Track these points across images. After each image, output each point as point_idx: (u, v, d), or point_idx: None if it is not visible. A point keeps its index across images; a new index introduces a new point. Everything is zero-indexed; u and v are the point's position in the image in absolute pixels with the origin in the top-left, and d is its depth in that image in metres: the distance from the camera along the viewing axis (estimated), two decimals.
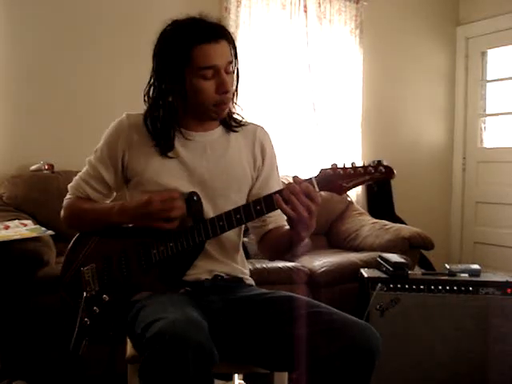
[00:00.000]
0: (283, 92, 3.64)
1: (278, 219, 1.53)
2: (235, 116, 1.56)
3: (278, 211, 1.35)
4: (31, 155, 2.98)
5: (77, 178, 1.57)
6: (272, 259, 1.62)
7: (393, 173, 1.25)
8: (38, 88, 3.06)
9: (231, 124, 1.55)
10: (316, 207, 1.27)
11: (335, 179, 1.28)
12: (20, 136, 3.03)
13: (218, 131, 1.54)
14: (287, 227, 1.47)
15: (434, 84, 4.52)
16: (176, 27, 1.43)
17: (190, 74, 1.40)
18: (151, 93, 1.48)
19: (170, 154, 1.46)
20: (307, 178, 1.29)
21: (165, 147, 1.46)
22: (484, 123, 4.50)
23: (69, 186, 1.58)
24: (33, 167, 2.95)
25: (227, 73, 1.43)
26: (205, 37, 1.39)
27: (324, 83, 3.76)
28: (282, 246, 1.49)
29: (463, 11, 4.53)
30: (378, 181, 1.27)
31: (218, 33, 1.42)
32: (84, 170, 1.56)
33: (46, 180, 2.88)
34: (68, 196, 1.58)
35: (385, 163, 1.26)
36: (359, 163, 1.29)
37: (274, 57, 3.60)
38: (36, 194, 2.82)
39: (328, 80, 3.78)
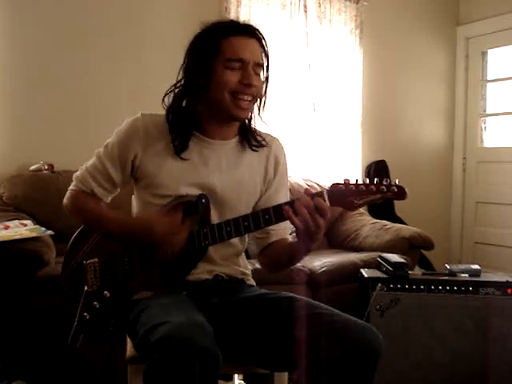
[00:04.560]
0: (283, 92, 3.63)
1: (280, 233, 1.52)
2: (256, 132, 1.53)
3: (283, 224, 1.34)
4: (31, 155, 2.98)
5: (83, 168, 1.53)
6: (271, 272, 1.58)
7: (405, 194, 1.23)
8: (38, 88, 3.05)
9: (250, 139, 1.51)
10: (325, 222, 1.26)
11: (347, 195, 1.25)
12: (20, 136, 3.02)
13: (235, 142, 1.51)
14: (289, 241, 1.47)
15: (434, 84, 4.52)
16: (210, 24, 1.44)
17: (217, 65, 1.39)
18: (177, 91, 1.46)
19: (183, 156, 1.43)
20: (318, 191, 1.27)
21: (180, 146, 1.43)
22: (484, 123, 4.50)
23: (74, 175, 1.54)
24: (33, 167, 2.95)
25: (255, 73, 1.41)
26: (236, 30, 1.40)
27: (324, 83, 3.76)
28: (282, 259, 1.49)
29: (463, 11, 4.53)
30: (389, 199, 1.23)
31: (250, 30, 1.42)
32: (91, 162, 1.51)
33: (46, 180, 2.87)
34: (72, 187, 1.54)
35: (398, 183, 1.23)
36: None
37: (273, 57, 3.58)
38: (36, 194, 2.81)
39: (328, 80, 3.77)
